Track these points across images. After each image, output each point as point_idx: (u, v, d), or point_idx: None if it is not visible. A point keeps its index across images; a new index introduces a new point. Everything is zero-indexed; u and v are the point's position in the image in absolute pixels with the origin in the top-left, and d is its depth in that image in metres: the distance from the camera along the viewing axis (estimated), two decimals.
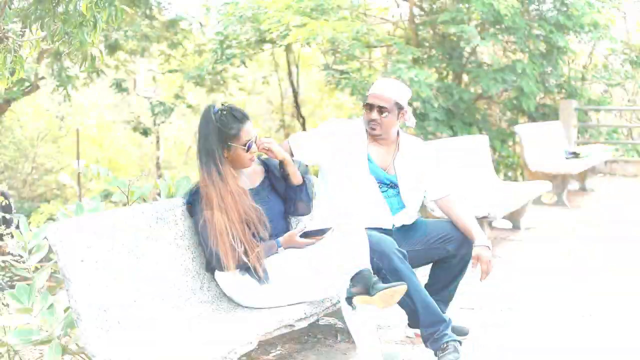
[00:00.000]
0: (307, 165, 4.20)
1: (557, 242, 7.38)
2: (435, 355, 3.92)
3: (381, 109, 4.24)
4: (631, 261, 6.54)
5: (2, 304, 4.59)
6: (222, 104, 3.90)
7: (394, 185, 4.35)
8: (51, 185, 26.25)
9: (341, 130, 4.35)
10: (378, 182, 4.31)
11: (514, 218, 7.99)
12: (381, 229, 4.26)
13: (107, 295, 3.24)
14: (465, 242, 4.29)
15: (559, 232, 7.90)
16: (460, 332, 4.40)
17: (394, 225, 4.34)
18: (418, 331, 4.07)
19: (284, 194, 4.07)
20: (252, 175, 4.02)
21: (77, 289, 3.10)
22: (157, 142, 29.48)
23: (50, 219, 20.99)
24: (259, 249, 3.74)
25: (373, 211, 4.29)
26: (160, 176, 29.56)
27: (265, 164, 4.09)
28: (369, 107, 4.27)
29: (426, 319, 3.93)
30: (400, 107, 4.29)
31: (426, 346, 3.97)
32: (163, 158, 32.12)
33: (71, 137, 27.31)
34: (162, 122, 21.13)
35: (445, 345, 3.88)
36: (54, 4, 4.81)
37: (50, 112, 26.28)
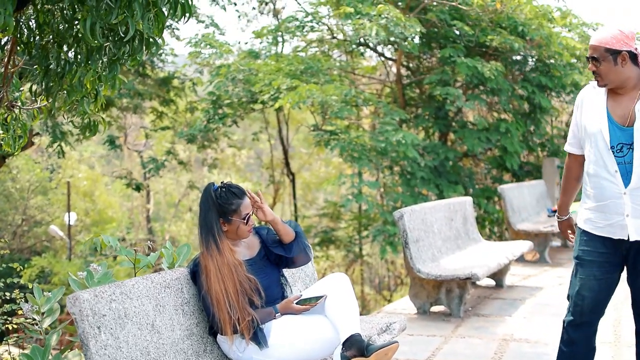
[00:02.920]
0: (295, 220, 4.46)
1: (539, 299, 7.67)
2: None
3: (594, 59, 3.95)
4: (610, 313, 6.83)
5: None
6: (221, 182, 4.27)
7: (629, 145, 3.93)
8: (41, 237, 26.46)
9: (582, 97, 4.17)
10: (613, 145, 3.95)
11: (496, 277, 8.30)
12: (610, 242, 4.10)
13: (121, 359, 3.53)
14: None
15: (541, 289, 8.19)
16: None
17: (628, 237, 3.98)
18: None
19: (278, 259, 4.38)
20: (251, 246, 4.34)
21: (94, 355, 3.39)
22: (147, 195, 29.81)
23: (42, 272, 21.22)
24: (250, 319, 4.03)
25: (605, 189, 3.99)
26: (150, 229, 29.83)
27: (259, 234, 4.42)
28: (588, 60, 4.00)
29: None
30: (614, 52, 3.89)
31: None
32: (153, 210, 32.41)
33: (62, 189, 27.60)
34: (153, 176, 21.44)
35: None
36: (60, 77, 5.16)
37: (41, 165, 26.59)
